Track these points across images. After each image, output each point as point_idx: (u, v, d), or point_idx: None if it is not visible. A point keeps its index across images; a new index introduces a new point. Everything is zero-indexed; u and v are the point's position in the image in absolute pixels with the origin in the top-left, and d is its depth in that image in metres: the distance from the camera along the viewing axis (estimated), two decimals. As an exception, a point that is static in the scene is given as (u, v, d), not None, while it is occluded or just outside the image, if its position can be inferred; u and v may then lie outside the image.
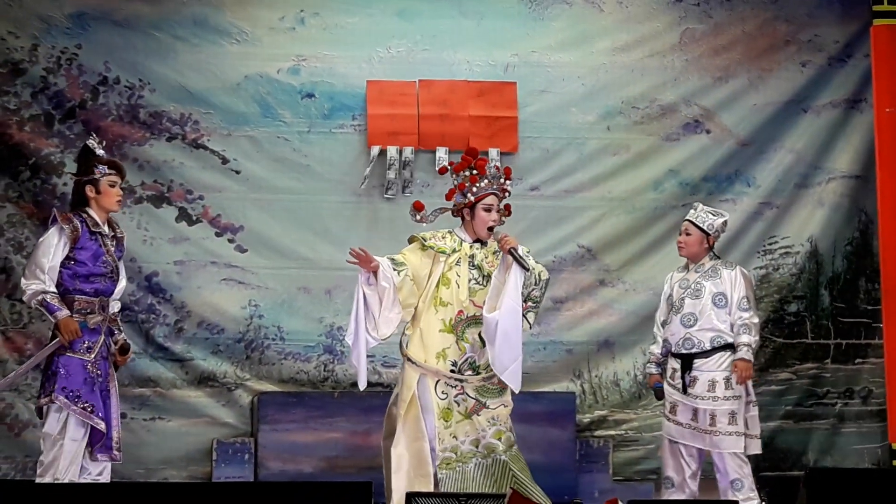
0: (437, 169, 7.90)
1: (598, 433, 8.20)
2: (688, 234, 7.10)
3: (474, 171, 6.32)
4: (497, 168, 6.40)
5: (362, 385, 6.27)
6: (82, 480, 6.15)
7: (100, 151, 6.42)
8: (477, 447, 6.18)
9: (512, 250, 6.12)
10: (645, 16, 8.45)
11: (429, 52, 8.28)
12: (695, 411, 6.92)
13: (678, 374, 6.99)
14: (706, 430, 6.90)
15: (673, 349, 7.04)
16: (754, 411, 7.04)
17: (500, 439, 6.17)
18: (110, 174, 6.41)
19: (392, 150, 8.12)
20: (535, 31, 8.36)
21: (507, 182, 6.41)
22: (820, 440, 8.42)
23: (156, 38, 8.01)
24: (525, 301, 6.17)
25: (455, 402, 6.19)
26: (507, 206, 6.47)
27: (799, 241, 8.44)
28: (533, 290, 6.24)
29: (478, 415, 6.18)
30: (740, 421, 6.92)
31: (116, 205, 6.47)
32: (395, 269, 6.25)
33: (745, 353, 6.92)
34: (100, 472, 6.28)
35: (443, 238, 6.36)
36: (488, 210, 6.29)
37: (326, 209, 8.15)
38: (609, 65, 8.40)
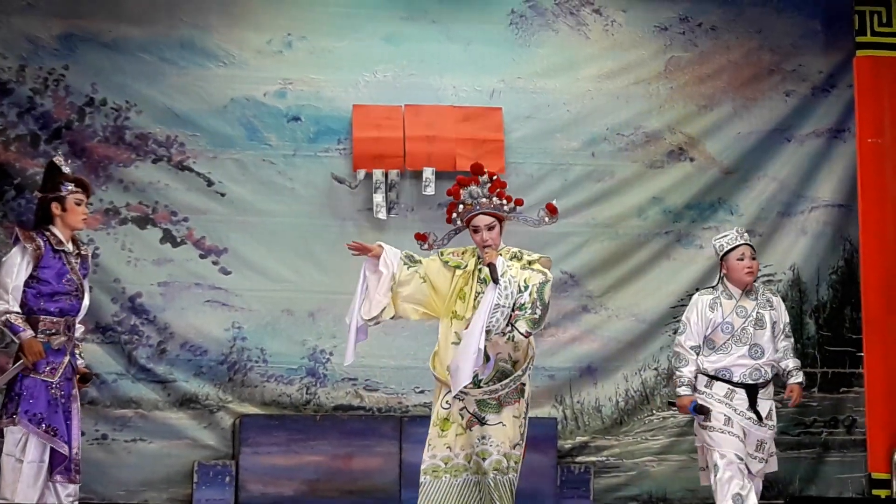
0: (423, 191, 7.92)
1: (579, 459, 8.20)
2: (753, 259, 6.96)
3: (452, 199, 6.32)
4: (481, 184, 6.23)
5: (347, 361, 6.22)
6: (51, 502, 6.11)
7: (66, 169, 6.41)
8: (468, 462, 6.17)
9: (490, 265, 6.12)
10: (631, 43, 8.48)
11: (415, 77, 8.30)
12: (761, 441, 6.82)
13: (746, 402, 6.80)
14: (765, 457, 6.85)
15: (736, 378, 6.83)
16: None
17: (485, 459, 6.12)
18: (76, 192, 6.37)
19: (377, 174, 8.13)
20: (522, 58, 8.39)
21: (496, 198, 6.20)
22: (806, 469, 8.41)
23: (143, 61, 8.02)
24: (513, 309, 6.15)
25: (459, 415, 6.17)
26: (549, 206, 6.31)
27: (781, 269, 8.46)
28: (518, 298, 6.12)
29: (470, 430, 6.18)
30: None
31: (82, 223, 6.43)
32: (405, 264, 6.22)
33: (801, 377, 6.92)
34: (69, 493, 6.22)
35: (462, 254, 6.36)
36: (476, 231, 6.26)
37: (311, 232, 8.14)
38: (594, 92, 8.43)
